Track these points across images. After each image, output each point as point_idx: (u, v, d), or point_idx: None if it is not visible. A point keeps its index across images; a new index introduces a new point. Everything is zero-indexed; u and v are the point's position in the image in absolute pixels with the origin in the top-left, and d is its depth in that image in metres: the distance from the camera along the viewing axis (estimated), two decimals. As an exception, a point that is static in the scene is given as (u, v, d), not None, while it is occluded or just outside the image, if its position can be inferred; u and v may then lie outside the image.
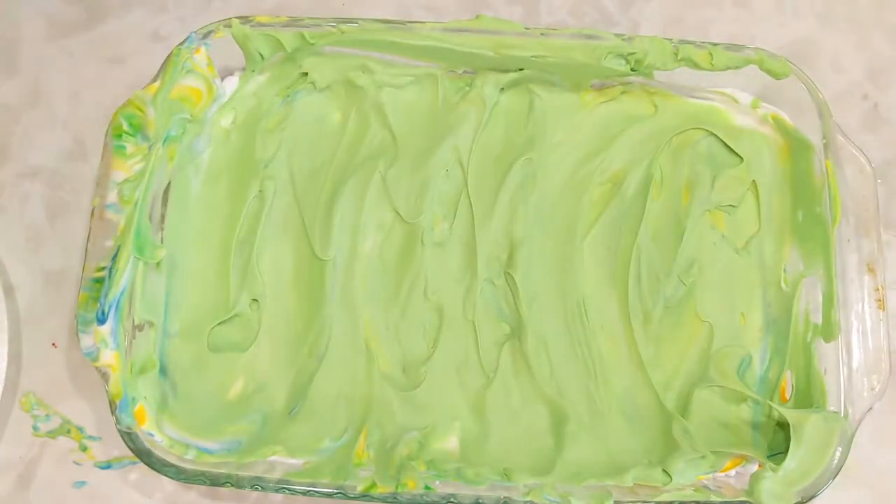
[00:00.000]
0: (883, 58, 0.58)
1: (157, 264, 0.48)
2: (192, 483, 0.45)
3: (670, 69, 0.50)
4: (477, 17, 0.50)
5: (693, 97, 0.53)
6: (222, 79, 0.51)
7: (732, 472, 0.47)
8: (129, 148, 0.46)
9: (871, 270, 0.47)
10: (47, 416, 0.52)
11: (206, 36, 0.50)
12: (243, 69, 0.52)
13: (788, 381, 0.49)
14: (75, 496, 0.51)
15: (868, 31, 0.59)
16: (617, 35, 0.50)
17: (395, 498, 0.44)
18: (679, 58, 0.50)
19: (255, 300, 0.50)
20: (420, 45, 0.50)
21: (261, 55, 0.51)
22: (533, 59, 0.50)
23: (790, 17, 0.59)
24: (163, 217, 0.49)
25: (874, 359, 0.46)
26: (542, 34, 0.50)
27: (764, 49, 0.50)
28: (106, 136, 0.46)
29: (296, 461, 0.47)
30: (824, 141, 0.49)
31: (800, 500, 0.44)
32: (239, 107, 0.52)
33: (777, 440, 0.47)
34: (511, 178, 0.51)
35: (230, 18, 0.50)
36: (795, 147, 0.51)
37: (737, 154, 0.52)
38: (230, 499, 0.51)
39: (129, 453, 0.45)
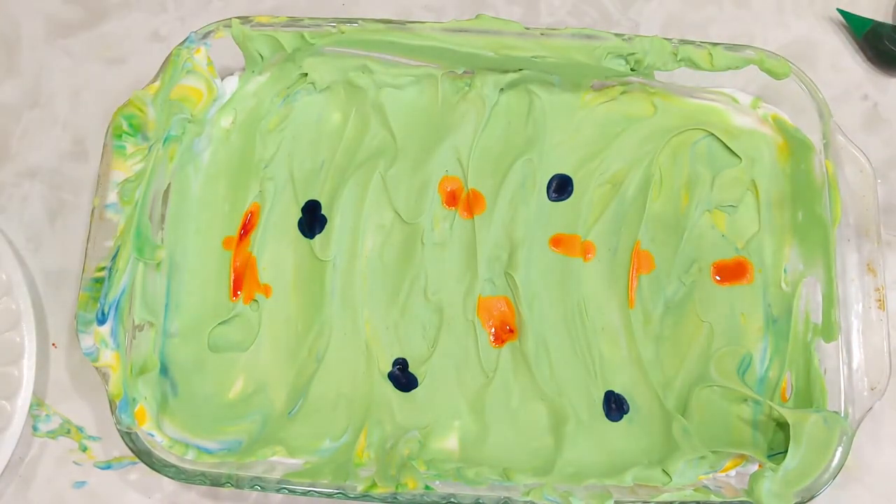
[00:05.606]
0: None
1: (157, 264, 0.48)
2: (192, 483, 0.45)
3: (670, 69, 0.50)
4: (477, 17, 0.50)
5: (693, 97, 0.53)
6: (222, 79, 0.51)
7: (732, 472, 0.47)
8: (129, 148, 0.46)
9: (871, 270, 0.47)
10: (47, 416, 0.52)
11: (205, 36, 0.50)
12: (243, 69, 0.52)
13: (788, 381, 0.49)
14: (75, 496, 0.51)
15: (868, 31, 0.58)
16: (617, 35, 0.50)
17: (395, 498, 0.44)
18: (679, 58, 0.50)
19: (255, 300, 0.50)
20: (420, 45, 0.50)
21: (260, 55, 0.51)
22: (533, 60, 0.50)
23: (790, 17, 0.59)
24: (163, 217, 0.49)
25: (874, 359, 0.46)
26: (542, 34, 0.50)
27: (764, 49, 0.50)
28: (106, 136, 0.46)
29: (296, 461, 0.47)
30: (824, 141, 0.49)
31: (800, 500, 0.44)
32: (239, 107, 0.52)
33: (777, 440, 0.47)
34: (511, 179, 0.51)
35: (230, 19, 0.50)
36: (795, 147, 0.51)
37: (736, 154, 0.52)
38: (230, 499, 0.51)
39: (129, 453, 0.45)
